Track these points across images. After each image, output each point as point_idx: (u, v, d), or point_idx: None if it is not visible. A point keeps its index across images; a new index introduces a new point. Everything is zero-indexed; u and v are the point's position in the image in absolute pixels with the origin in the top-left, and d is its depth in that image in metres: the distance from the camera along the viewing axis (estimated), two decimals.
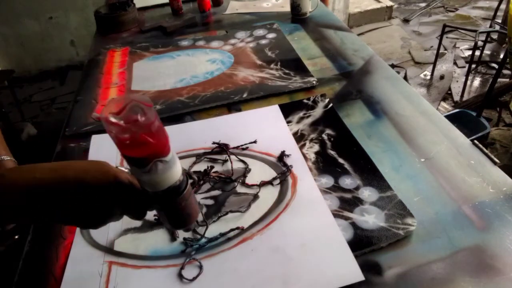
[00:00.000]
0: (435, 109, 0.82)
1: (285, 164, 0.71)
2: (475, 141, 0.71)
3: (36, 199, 0.38)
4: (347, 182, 0.67)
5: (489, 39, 2.70)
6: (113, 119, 0.35)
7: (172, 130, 0.83)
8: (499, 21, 2.80)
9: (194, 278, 0.54)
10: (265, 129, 0.81)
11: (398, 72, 2.12)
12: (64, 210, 0.40)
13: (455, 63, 2.80)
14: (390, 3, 3.56)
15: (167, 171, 0.40)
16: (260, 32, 1.25)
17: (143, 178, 0.40)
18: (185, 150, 0.78)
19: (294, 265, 0.54)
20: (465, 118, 1.93)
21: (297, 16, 1.33)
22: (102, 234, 0.62)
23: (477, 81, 2.60)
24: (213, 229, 0.61)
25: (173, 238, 0.60)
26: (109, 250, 0.59)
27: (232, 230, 0.60)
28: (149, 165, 0.38)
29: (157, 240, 0.60)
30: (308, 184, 0.67)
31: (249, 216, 0.62)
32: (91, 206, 0.41)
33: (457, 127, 0.77)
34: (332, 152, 0.73)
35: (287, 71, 1.01)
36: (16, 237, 0.65)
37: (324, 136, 0.77)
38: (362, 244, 0.56)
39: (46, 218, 0.40)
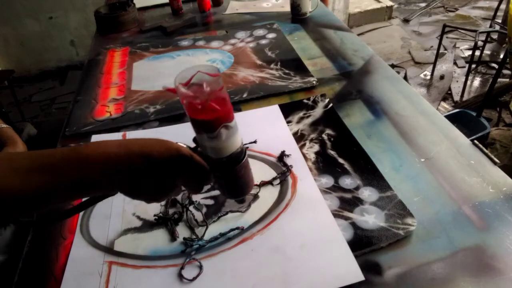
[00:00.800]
0: (435, 109, 0.82)
1: (285, 164, 0.71)
2: (475, 141, 0.71)
3: (110, 173, 0.41)
4: (347, 182, 0.67)
5: (489, 39, 2.70)
6: (182, 89, 0.41)
7: (172, 130, 0.83)
8: (499, 21, 2.80)
9: (194, 278, 0.54)
10: (265, 129, 0.81)
11: (398, 72, 2.12)
12: (132, 183, 0.43)
13: (455, 63, 2.80)
14: (390, 3, 3.56)
15: (231, 137, 0.44)
16: (260, 32, 1.25)
17: (210, 144, 0.44)
18: None
19: (294, 265, 0.54)
20: (465, 118, 1.93)
21: (297, 16, 1.33)
22: (102, 234, 0.62)
23: (477, 81, 2.60)
24: (213, 229, 0.61)
25: (173, 238, 0.60)
26: (109, 250, 0.59)
27: (232, 230, 0.60)
28: (216, 130, 0.42)
29: (157, 240, 0.60)
30: (308, 184, 0.67)
31: (249, 216, 0.62)
32: (156, 178, 0.44)
33: (457, 127, 0.77)
34: (332, 152, 0.73)
35: (287, 71, 1.01)
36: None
37: (324, 136, 0.77)
38: (362, 244, 0.56)
39: (114, 192, 0.44)
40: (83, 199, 0.48)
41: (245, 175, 0.49)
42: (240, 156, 0.47)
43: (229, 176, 0.48)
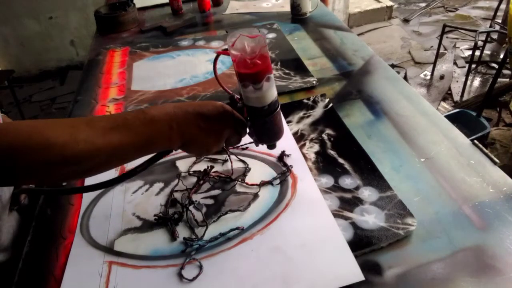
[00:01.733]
0: (435, 109, 0.82)
1: (285, 164, 0.71)
2: (475, 141, 0.71)
3: (173, 128, 0.49)
4: (347, 182, 0.67)
5: (489, 39, 2.70)
6: (234, 50, 0.51)
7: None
8: (499, 21, 2.81)
9: (194, 278, 0.54)
10: None
11: (398, 72, 2.12)
12: (190, 137, 0.51)
13: (455, 63, 2.80)
14: (390, 3, 3.56)
15: (271, 87, 0.54)
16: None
17: (255, 95, 0.54)
18: None
19: (294, 265, 0.54)
20: (465, 118, 1.93)
21: (297, 16, 1.33)
22: (102, 234, 0.62)
23: (477, 81, 2.60)
24: (213, 229, 0.61)
25: (173, 238, 0.60)
26: (109, 250, 0.59)
27: (232, 230, 0.60)
28: (262, 81, 0.52)
29: (157, 240, 0.60)
30: (308, 184, 0.67)
31: (249, 216, 0.62)
32: (208, 131, 0.53)
33: (457, 127, 0.77)
34: (332, 152, 0.73)
35: (287, 71, 1.01)
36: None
37: (324, 136, 0.77)
38: (362, 244, 0.56)
39: (175, 147, 0.52)
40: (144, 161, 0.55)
41: (281, 121, 0.60)
42: (277, 104, 0.57)
43: (268, 122, 0.57)
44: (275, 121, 0.58)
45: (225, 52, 0.54)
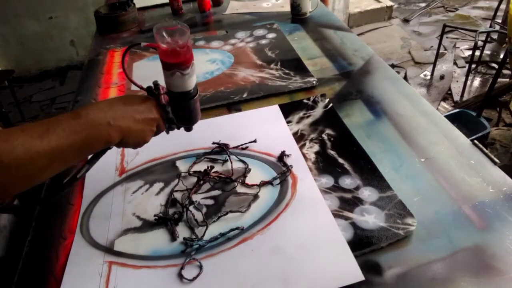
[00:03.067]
0: (435, 109, 0.82)
1: (285, 164, 0.71)
2: (475, 141, 0.71)
3: (110, 125, 0.51)
4: (347, 182, 0.67)
5: (489, 39, 2.70)
6: (164, 43, 0.55)
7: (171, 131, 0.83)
8: (499, 21, 2.80)
9: (194, 278, 0.54)
10: (265, 129, 0.81)
11: (398, 72, 2.12)
12: (127, 131, 0.53)
13: (455, 63, 2.80)
14: (390, 3, 3.56)
15: (194, 74, 0.60)
16: (260, 32, 1.25)
17: (180, 81, 0.58)
18: (185, 150, 0.78)
19: (294, 265, 0.54)
20: (465, 118, 1.93)
21: (297, 16, 1.33)
22: (102, 234, 0.62)
23: (477, 81, 2.60)
24: (213, 229, 0.61)
25: (173, 238, 0.60)
26: (109, 250, 0.59)
27: (232, 230, 0.60)
28: (189, 68, 0.58)
29: (157, 240, 0.60)
30: (308, 184, 0.67)
31: (249, 216, 0.62)
32: (142, 121, 0.55)
33: (457, 127, 0.77)
34: (332, 152, 0.73)
35: (287, 71, 1.01)
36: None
37: (324, 136, 0.77)
38: (362, 244, 0.56)
39: (113, 143, 0.53)
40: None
41: (198, 107, 0.64)
42: (197, 89, 0.62)
43: (192, 104, 0.62)
44: (197, 104, 0.63)
45: (153, 44, 0.58)
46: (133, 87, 1.02)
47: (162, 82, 0.61)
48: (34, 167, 0.44)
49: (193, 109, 0.63)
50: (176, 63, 0.57)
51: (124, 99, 0.56)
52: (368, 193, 0.64)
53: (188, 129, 0.68)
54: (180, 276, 0.54)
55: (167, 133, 0.66)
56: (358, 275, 0.52)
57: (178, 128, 0.67)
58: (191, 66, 0.58)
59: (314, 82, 0.95)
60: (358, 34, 3.26)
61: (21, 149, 0.42)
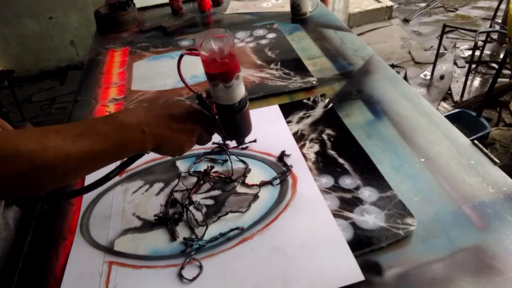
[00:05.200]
0: (435, 109, 0.82)
1: (285, 164, 0.71)
2: (475, 141, 0.71)
3: (144, 132, 0.49)
4: (347, 182, 0.66)
5: (489, 39, 2.70)
6: (204, 51, 0.52)
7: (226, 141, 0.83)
8: (499, 21, 2.80)
9: (194, 278, 0.54)
10: (265, 129, 0.81)
11: (398, 72, 2.12)
12: (161, 139, 0.52)
13: (455, 63, 2.80)
14: (390, 3, 3.56)
15: (240, 85, 0.56)
16: (260, 32, 1.25)
17: (225, 93, 0.55)
18: None
19: (294, 265, 0.54)
20: (465, 118, 1.93)
21: (297, 16, 1.33)
22: (102, 234, 0.62)
23: (477, 81, 2.60)
24: (213, 229, 0.61)
25: (173, 238, 0.60)
26: (109, 250, 0.59)
27: (232, 230, 0.60)
28: (232, 80, 0.54)
29: (157, 240, 0.60)
30: (308, 184, 0.67)
31: (249, 216, 0.62)
32: (180, 131, 0.54)
33: (457, 127, 0.77)
34: (332, 152, 0.73)
35: (287, 71, 1.01)
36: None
37: (324, 136, 0.77)
38: (362, 244, 0.56)
39: (147, 150, 0.52)
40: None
41: (249, 117, 0.61)
42: (246, 100, 0.59)
43: (238, 118, 0.59)
44: (244, 117, 0.60)
45: (194, 52, 0.55)
46: (133, 87, 1.02)
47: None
48: (65, 169, 0.44)
49: (240, 123, 0.60)
50: (217, 74, 0.54)
51: (164, 106, 0.54)
52: (368, 193, 0.64)
53: (239, 142, 0.65)
54: (180, 276, 0.54)
55: (224, 142, 0.66)
56: (358, 275, 0.52)
57: (224, 142, 0.65)
58: (235, 78, 0.54)
59: (314, 82, 0.95)
60: (358, 34, 3.26)
61: (52, 151, 0.42)
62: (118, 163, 0.53)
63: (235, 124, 0.60)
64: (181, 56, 0.59)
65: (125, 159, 0.55)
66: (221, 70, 0.53)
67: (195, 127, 0.56)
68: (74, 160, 0.44)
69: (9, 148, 0.40)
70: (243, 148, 0.77)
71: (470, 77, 2.45)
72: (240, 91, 0.57)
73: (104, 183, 0.55)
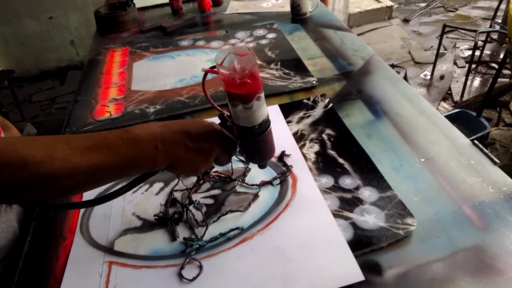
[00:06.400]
0: (435, 109, 0.82)
1: (285, 164, 0.71)
2: (475, 141, 0.71)
3: (159, 149, 0.47)
4: (347, 182, 0.66)
5: (489, 39, 2.70)
6: (223, 69, 0.48)
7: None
8: (499, 21, 2.81)
9: (194, 278, 0.54)
10: None
11: (398, 72, 2.12)
12: (176, 157, 0.49)
13: (455, 63, 2.80)
14: (390, 3, 3.56)
15: (262, 106, 0.52)
16: (260, 32, 1.25)
17: (245, 115, 0.52)
18: None
19: (294, 265, 0.54)
20: (465, 118, 1.93)
21: (297, 16, 1.33)
22: (102, 234, 0.62)
23: (477, 81, 2.60)
24: (213, 229, 0.61)
25: (173, 238, 0.60)
26: (109, 250, 0.59)
27: (232, 230, 0.60)
28: (252, 101, 0.50)
29: (157, 240, 0.60)
30: (308, 184, 0.67)
31: (249, 216, 0.62)
32: (196, 150, 0.51)
33: (457, 127, 0.77)
34: (332, 152, 0.73)
35: (287, 71, 1.01)
36: None
37: (324, 136, 0.77)
38: (362, 244, 0.56)
39: (160, 168, 0.49)
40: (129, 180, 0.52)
41: (272, 140, 0.57)
42: (268, 123, 0.55)
43: (259, 142, 0.55)
44: (266, 140, 0.56)
45: (214, 70, 0.51)
46: (133, 87, 1.02)
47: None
48: (71, 182, 0.42)
49: (261, 146, 0.56)
50: (237, 94, 0.50)
51: (182, 123, 0.51)
52: (368, 193, 0.64)
53: (261, 166, 0.62)
54: (180, 276, 0.54)
55: (246, 165, 0.63)
56: (358, 275, 0.52)
57: (247, 164, 0.62)
58: (255, 99, 0.50)
59: (314, 82, 0.95)
60: (358, 34, 3.26)
61: (60, 163, 0.40)
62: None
63: (256, 147, 0.57)
64: (205, 75, 0.55)
65: (137, 175, 0.52)
66: (240, 91, 0.49)
67: (213, 147, 0.53)
68: (81, 173, 0.42)
69: (15, 158, 0.39)
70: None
71: (470, 77, 2.45)
72: (262, 113, 0.53)
73: (112, 199, 0.52)
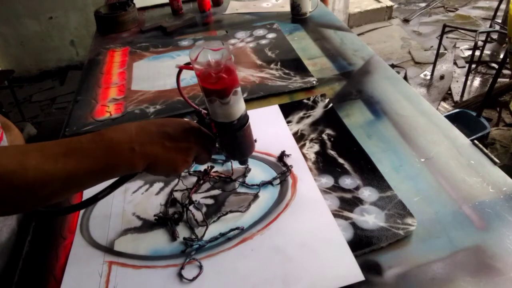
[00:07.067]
0: (435, 109, 0.82)
1: (285, 164, 0.71)
2: (475, 141, 0.71)
3: (135, 151, 0.46)
4: (347, 182, 0.66)
5: (489, 39, 2.70)
6: (198, 64, 0.48)
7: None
8: (499, 21, 2.81)
9: (194, 278, 0.54)
10: (265, 129, 0.81)
11: (398, 72, 2.12)
12: (155, 159, 0.48)
13: (455, 63, 2.80)
14: (390, 3, 3.56)
15: (239, 101, 0.52)
16: (260, 32, 1.25)
17: (222, 110, 0.51)
18: None
19: (294, 265, 0.54)
20: (465, 118, 1.93)
21: (297, 16, 1.33)
22: (102, 234, 0.62)
23: (477, 81, 2.60)
24: (213, 229, 0.61)
25: (173, 238, 0.60)
26: (109, 250, 0.59)
27: (232, 230, 0.60)
28: (229, 96, 0.49)
29: (157, 240, 0.60)
30: (308, 184, 0.67)
31: (249, 216, 0.62)
32: (175, 150, 0.49)
33: (457, 127, 0.77)
34: (332, 152, 0.73)
35: (287, 71, 1.01)
36: None
37: (324, 136, 0.77)
38: (362, 244, 0.56)
39: (139, 170, 0.48)
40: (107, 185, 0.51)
41: (251, 135, 0.57)
42: (246, 117, 0.55)
43: (239, 137, 0.55)
44: (245, 135, 0.55)
45: (188, 66, 0.51)
46: (133, 87, 1.02)
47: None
48: (46, 191, 0.41)
49: (240, 142, 0.56)
50: (213, 89, 0.49)
51: (158, 123, 0.50)
52: (368, 193, 0.64)
53: (241, 162, 0.61)
54: (180, 276, 0.54)
55: (227, 161, 0.62)
56: (358, 275, 0.52)
57: (227, 161, 0.61)
58: (232, 94, 0.50)
59: (314, 82, 0.95)
60: (358, 34, 3.26)
61: (33, 172, 0.39)
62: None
63: (235, 143, 0.56)
64: (179, 72, 0.55)
65: (116, 178, 0.50)
66: (216, 86, 0.48)
67: (192, 146, 0.52)
68: (56, 181, 0.41)
69: None
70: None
71: (470, 77, 2.45)
72: (239, 108, 0.52)
73: (91, 205, 0.51)
